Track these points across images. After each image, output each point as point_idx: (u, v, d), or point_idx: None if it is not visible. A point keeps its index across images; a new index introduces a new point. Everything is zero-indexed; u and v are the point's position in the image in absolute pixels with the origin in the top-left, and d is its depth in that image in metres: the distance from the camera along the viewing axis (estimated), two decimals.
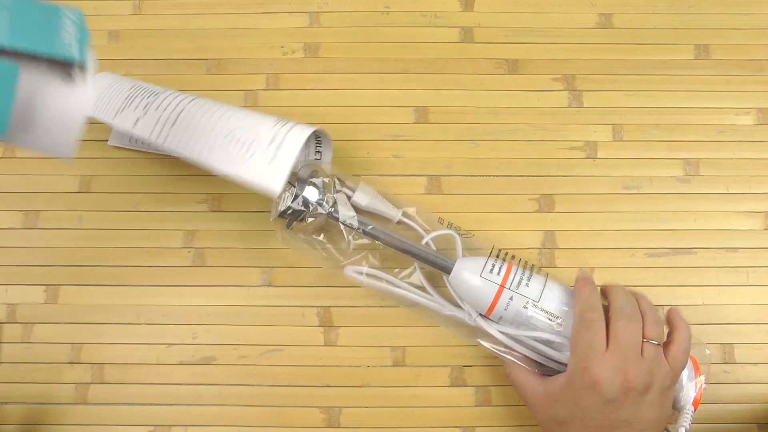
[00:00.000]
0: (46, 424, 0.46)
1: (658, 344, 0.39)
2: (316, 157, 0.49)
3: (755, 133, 0.51)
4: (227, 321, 0.47)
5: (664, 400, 0.39)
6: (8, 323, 0.47)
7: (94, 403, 0.46)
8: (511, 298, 0.42)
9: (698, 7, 0.54)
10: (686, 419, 0.42)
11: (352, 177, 0.48)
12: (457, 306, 0.46)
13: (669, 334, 0.41)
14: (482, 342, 0.45)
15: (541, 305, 0.42)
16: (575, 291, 0.42)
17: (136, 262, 0.48)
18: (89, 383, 0.46)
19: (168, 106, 0.44)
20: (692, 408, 0.42)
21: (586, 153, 0.51)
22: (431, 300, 0.46)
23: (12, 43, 0.31)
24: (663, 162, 0.51)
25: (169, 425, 0.46)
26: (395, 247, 0.45)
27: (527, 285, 0.43)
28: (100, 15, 0.53)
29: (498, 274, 0.43)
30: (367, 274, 0.46)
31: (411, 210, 0.48)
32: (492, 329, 0.44)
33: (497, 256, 0.45)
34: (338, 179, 0.47)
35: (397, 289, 0.46)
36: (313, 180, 0.45)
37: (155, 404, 0.46)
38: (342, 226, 0.46)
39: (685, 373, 0.42)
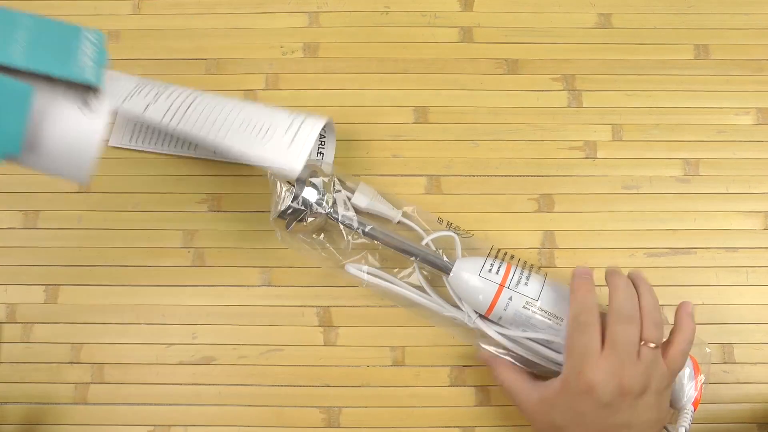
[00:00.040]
0: (46, 424, 0.46)
1: (656, 347, 0.39)
2: (319, 155, 0.49)
3: (755, 133, 0.51)
4: (227, 321, 0.47)
5: (662, 400, 0.39)
6: (8, 323, 0.47)
7: (94, 403, 0.46)
8: (510, 298, 0.42)
9: (698, 7, 0.54)
10: (686, 419, 0.42)
11: (351, 177, 0.48)
12: (457, 307, 0.46)
13: (671, 333, 0.41)
14: (483, 345, 0.45)
15: (541, 305, 0.42)
16: (570, 290, 0.41)
17: (136, 262, 0.48)
18: (89, 383, 0.46)
19: (180, 95, 0.44)
20: (692, 408, 0.42)
21: (586, 153, 0.51)
22: (430, 300, 0.46)
23: (28, 65, 0.30)
24: (663, 162, 0.51)
25: (169, 425, 0.46)
26: (394, 247, 0.45)
27: (526, 284, 0.43)
28: (100, 15, 0.53)
29: (497, 273, 0.43)
30: (368, 273, 0.46)
31: (411, 210, 0.48)
32: (491, 330, 0.44)
33: (496, 256, 0.45)
34: (338, 179, 0.47)
35: (396, 289, 0.46)
36: (313, 180, 0.45)
37: (155, 404, 0.46)
38: (341, 226, 0.46)
39: (685, 373, 0.42)
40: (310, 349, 0.47)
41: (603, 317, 0.40)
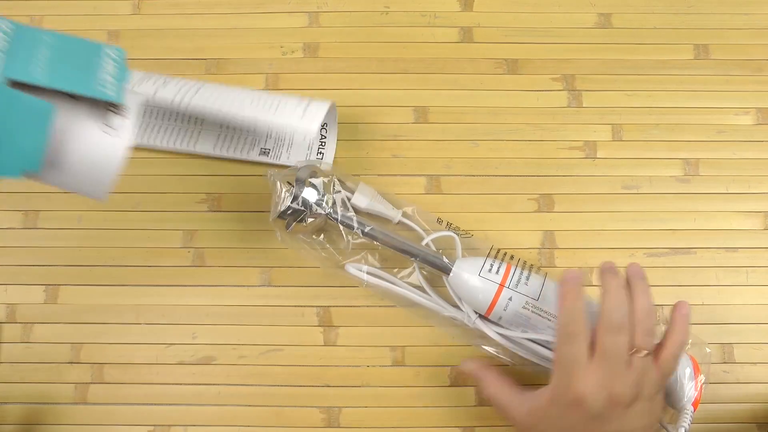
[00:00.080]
0: (45, 424, 0.46)
1: (648, 353, 0.38)
2: (319, 155, 0.49)
3: (755, 133, 0.51)
4: (227, 321, 0.47)
5: (654, 405, 0.38)
6: (8, 323, 0.47)
7: (94, 403, 0.46)
8: (510, 298, 0.42)
9: (698, 7, 0.54)
10: (686, 419, 0.42)
11: (351, 177, 0.48)
12: (457, 307, 0.46)
13: (664, 334, 0.40)
14: (484, 347, 0.45)
15: (540, 305, 0.42)
16: (558, 297, 0.40)
17: (136, 262, 0.48)
18: (89, 383, 0.46)
19: (187, 82, 0.45)
20: (692, 408, 0.42)
21: (586, 153, 0.51)
22: (430, 300, 0.46)
23: (50, 83, 0.30)
24: (662, 162, 0.51)
25: (169, 425, 0.46)
26: (394, 247, 0.45)
27: (526, 284, 0.43)
28: (99, 15, 0.53)
29: (497, 273, 0.43)
30: (368, 273, 0.46)
31: (411, 210, 0.48)
32: (491, 331, 0.44)
33: (496, 256, 0.45)
34: (338, 179, 0.47)
35: (396, 289, 0.46)
36: (313, 180, 0.45)
37: (155, 404, 0.46)
38: (341, 227, 0.46)
39: (685, 373, 0.42)
40: (310, 349, 0.47)
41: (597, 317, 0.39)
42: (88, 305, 0.48)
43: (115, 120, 0.33)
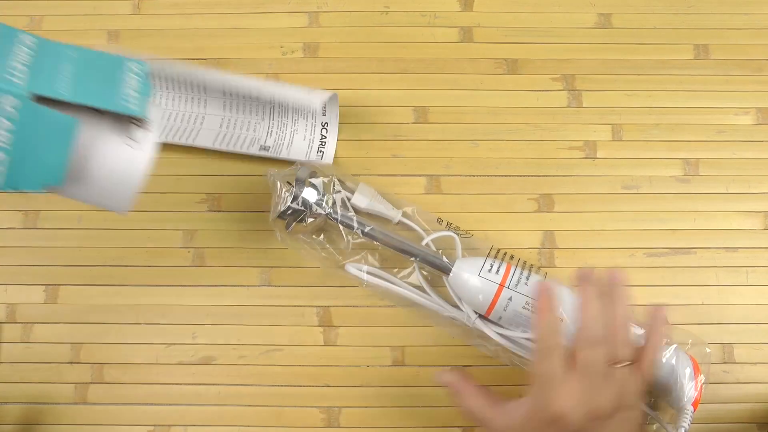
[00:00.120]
0: (45, 424, 0.46)
1: (628, 363, 0.37)
2: (319, 153, 0.49)
3: (755, 133, 0.51)
4: (227, 321, 0.47)
5: (633, 413, 0.38)
6: (8, 323, 0.47)
7: (94, 403, 0.46)
8: (510, 298, 0.42)
9: (698, 7, 0.54)
10: (686, 419, 0.42)
11: (351, 177, 0.48)
12: (457, 307, 0.46)
13: (645, 340, 0.39)
14: (484, 347, 0.45)
15: None
16: (533, 311, 0.39)
17: (136, 262, 0.48)
18: (89, 383, 0.46)
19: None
20: (692, 408, 0.42)
21: (586, 153, 0.51)
22: (430, 300, 0.46)
23: (74, 98, 0.30)
24: (662, 162, 0.51)
25: (169, 425, 0.46)
26: (394, 247, 0.45)
27: (526, 284, 0.43)
28: (99, 15, 0.53)
29: (497, 273, 0.43)
30: (368, 273, 0.46)
31: (410, 210, 0.48)
32: (490, 331, 0.44)
33: (496, 256, 0.45)
34: (338, 179, 0.47)
35: (396, 289, 0.46)
36: (313, 180, 0.45)
37: (155, 404, 0.46)
38: (341, 227, 0.46)
39: (685, 373, 0.42)
40: (310, 349, 0.47)
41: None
42: (88, 305, 0.48)
43: (138, 133, 0.33)
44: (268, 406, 0.46)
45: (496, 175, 0.50)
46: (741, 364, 0.47)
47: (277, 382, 0.47)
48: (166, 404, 0.46)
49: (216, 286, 0.48)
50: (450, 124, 0.51)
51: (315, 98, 0.45)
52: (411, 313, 0.47)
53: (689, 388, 0.42)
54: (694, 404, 0.42)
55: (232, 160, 0.50)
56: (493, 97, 0.52)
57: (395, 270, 0.47)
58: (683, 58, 0.53)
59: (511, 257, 0.45)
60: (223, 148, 0.49)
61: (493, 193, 0.50)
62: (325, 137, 0.50)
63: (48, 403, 0.46)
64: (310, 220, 0.45)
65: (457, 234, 0.46)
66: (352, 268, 0.47)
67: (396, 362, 0.47)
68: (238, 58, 0.52)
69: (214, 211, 0.49)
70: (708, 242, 0.49)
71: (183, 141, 0.49)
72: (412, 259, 0.45)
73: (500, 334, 0.44)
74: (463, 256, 0.46)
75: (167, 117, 0.50)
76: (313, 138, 0.50)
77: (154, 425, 0.46)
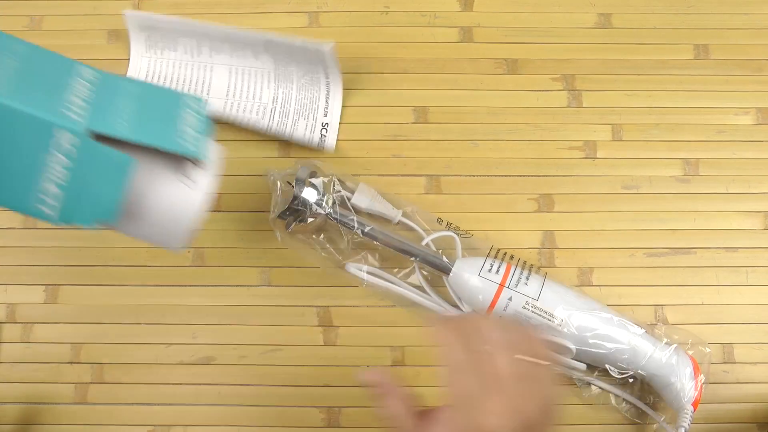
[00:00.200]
0: (45, 424, 0.46)
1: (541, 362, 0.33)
2: (322, 135, 0.49)
3: (755, 133, 0.51)
4: (227, 321, 0.47)
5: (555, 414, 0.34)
6: (8, 323, 0.47)
7: (94, 403, 0.46)
8: (510, 298, 0.42)
9: (697, 7, 0.54)
10: (686, 419, 0.42)
11: (351, 177, 0.48)
12: (457, 307, 0.46)
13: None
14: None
15: (540, 304, 0.42)
16: (436, 339, 0.34)
17: (136, 262, 0.48)
18: (89, 383, 0.46)
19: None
20: (692, 408, 0.42)
21: (586, 153, 0.51)
22: (430, 300, 0.46)
23: (131, 136, 0.30)
24: (662, 162, 0.51)
25: (169, 425, 0.46)
26: (394, 247, 0.45)
27: (526, 284, 0.43)
28: (99, 15, 0.53)
29: (497, 273, 0.43)
30: (368, 273, 0.46)
31: (411, 210, 0.48)
32: None
33: (496, 256, 0.45)
34: (338, 179, 0.47)
35: (396, 289, 0.46)
36: (313, 181, 0.45)
37: (155, 404, 0.46)
38: (341, 227, 0.46)
39: (685, 373, 0.42)
40: (310, 349, 0.47)
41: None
42: (88, 305, 0.48)
43: (194, 172, 0.32)
44: (268, 406, 0.46)
45: (496, 175, 0.50)
46: (741, 364, 0.47)
47: (277, 382, 0.47)
48: (166, 404, 0.46)
49: (216, 286, 0.48)
50: (450, 124, 0.51)
51: (323, 46, 0.46)
52: (411, 313, 0.47)
53: (689, 388, 0.42)
54: (694, 404, 0.42)
55: (233, 160, 0.50)
56: (493, 97, 0.52)
57: (395, 270, 0.47)
58: (683, 58, 0.53)
59: (511, 257, 0.45)
60: (232, 113, 0.49)
61: (493, 193, 0.50)
62: (327, 119, 0.50)
63: (48, 403, 0.46)
64: (310, 220, 0.45)
65: (457, 234, 0.46)
66: (352, 268, 0.47)
67: (396, 362, 0.47)
68: None
69: (214, 211, 0.49)
70: (708, 242, 0.49)
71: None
72: (412, 259, 0.45)
73: None
74: (463, 256, 0.46)
75: (173, 85, 0.50)
76: (318, 107, 0.50)
77: (154, 425, 0.46)
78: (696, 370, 0.43)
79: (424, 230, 0.47)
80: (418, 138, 0.51)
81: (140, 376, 0.46)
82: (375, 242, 0.45)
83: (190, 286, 0.48)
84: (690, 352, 0.44)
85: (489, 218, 0.49)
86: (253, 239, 0.49)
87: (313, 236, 0.47)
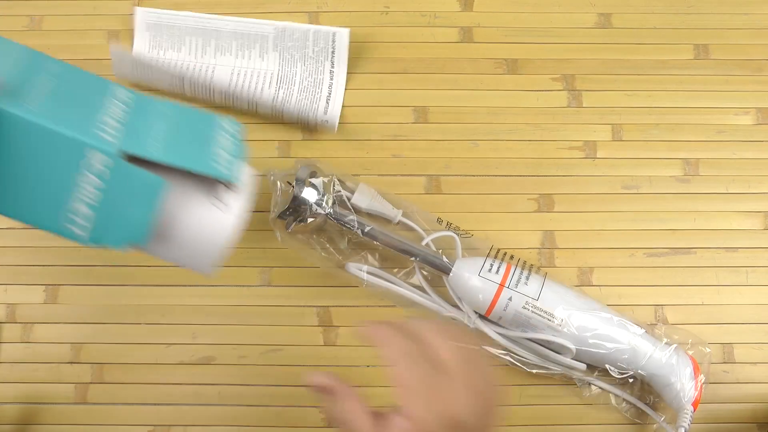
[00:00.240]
0: (45, 424, 0.46)
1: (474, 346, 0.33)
2: (327, 99, 0.49)
3: (755, 133, 0.51)
4: (227, 321, 0.47)
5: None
6: (8, 323, 0.47)
7: (94, 403, 0.46)
8: (510, 298, 0.42)
9: (697, 7, 0.54)
10: (686, 419, 0.42)
11: (351, 177, 0.48)
12: (457, 307, 0.46)
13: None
14: (484, 347, 0.45)
15: (540, 304, 0.42)
16: (373, 337, 0.34)
17: (136, 262, 0.48)
18: (89, 383, 0.46)
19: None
20: (692, 408, 0.42)
21: (586, 153, 0.51)
22: (430, 300, 0.46)
23: (164, 158, 0.30)
24: (662, 162, 0.51)
25: (169, 425, 0.46)
26: (394, 247, 0.45)
27: (526, 284, 0.43)
28: (99, 15, 0.53)
29: (497, 273, 0.43)
30: (368, 273, 0.46)
31: (410, 210, 0.48)
32: (491, 331, 0.44)
33: (496, 256, 0.45)
34: (338, 179, 0.47)
35: (396, 289, 0.46)
36: (313, 180, 0.45)
37: (155, 404, 0.46)
38: (341, 227, 0.46)
39: (685, 373, 0.42)
40: (310, 349, 0.47)
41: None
42: (88, 305, 0.48)
43: (227, 195, 0.32)
44: (268, 406, 0.46)
45: (496, 175, 0.50)
46: (741, 364, 0.47)
47: (278, 382, 0.47)
48: (166, 404, 0.46)
49: (216, 286, 0.48)
50: (450, 124, 0.51)
51: (340, 29, 0.48)
52: (411, 313, 0.47)
53: (689, 388, 0.42)
54: (694, 404, 0.42)
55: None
56: (493, 97, 0.52)
57: (395, 270, 0.47)
58: (683, 58, 0.53)
59: (511, 257, 0.45)
60: (238, 89, 0.49)
61: (493, 193, 0.50)
62: (331, 91, 0.50)
63: (48, 403, 0.46)
64: (310, 220, 0.45)
65: (457, 234, 0.46)
66: (352, 268, 0.47)
67: None
68: None
69: None
70: (708, 242, 0.49)
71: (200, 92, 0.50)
72: (412, 259, 0.45)
73: (500, 334, 0.44)
74: (463, 256, 0.46)
75: (179, 68, 0.50)
76: (318, 107, 0.50)
77: (154, 425, 0.46)
78: (696, 370, 0.43)
79: (424, 230, 0.47)
80: (418, 138, 0.51)
81: (140, 376, 0.46)
82: (375, 242, 0.45)
83: (190, 286, 0.48)
84: (690, 352, 0.44)
85: (489, 218, 0.49)
86: (253, 239, 0.49)
87: (313, 236, 0.47)
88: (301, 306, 0.48)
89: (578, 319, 0.42)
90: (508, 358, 0.45)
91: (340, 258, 0.47)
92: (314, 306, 0.48)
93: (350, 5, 0.54)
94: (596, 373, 0.45)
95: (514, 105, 0.52)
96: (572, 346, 0.42)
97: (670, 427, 0.43)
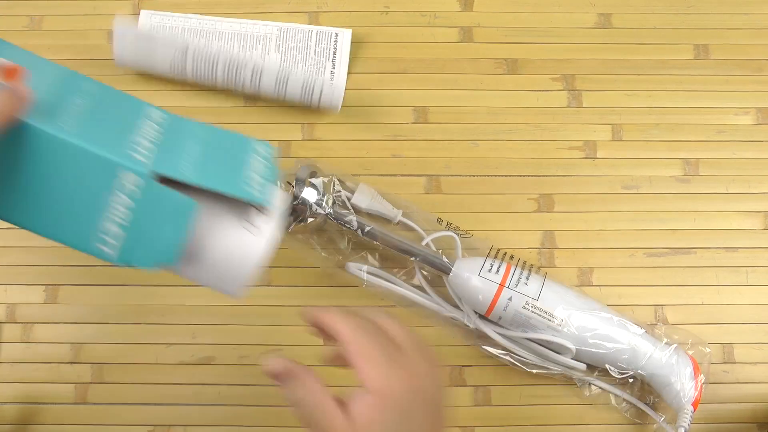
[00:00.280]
0: (45, 424, 0.46)
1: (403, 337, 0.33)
2: (331, 73, 0.49)
3: (755, 133, 0.51)
4: (227, 321, 0.47)
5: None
6: (8, 323, 0.47)
7: (94, 403, 0.46)
8: (510, 298, 0.42)
9: (697, 7, 0.54)
10: (686, 419, 0.42)
11: (351, 177, 0.48)
12: (457, 307, 0.46)
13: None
14: (483, 347, 0.45)
15: (540, 304, 0.42)
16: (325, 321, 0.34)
17: None
18: (89, 383, 0.46)
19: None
20: (692, 408, 0.42)
21: (586, 153, 0.51)
22: (430, 300, 0.46)
23: (197, 181, 0.30)
24: (662, 162, 0.51)
25: (169, 425, 0.46)
26: (394, 247, 0.45)
27: (526, 284, 0.43)
28: (99, 15, 0.53)
29: (497, 273, 0.43)
30: (368, 272, 0.46)
31: (410, 210, 0.48)
32: (490, 331, 0.44)
33: (496, 256, 0.45)
34: (338, 179, 0.47)
35: (396, 289, 0.46)
36: (313, 181, 0.45)
37: (155, 404, 0.46)
38: (341, 227, 0.46)
39: (685, 373, 0.42)
40: (310, 349, 0.47)
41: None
42: (88, 305, 0.48)
43: (258, 219, 0.32)
44: (268, 406, 0.46)
45: (496, 175, 0.50)
46: (741, 364, 0.47)
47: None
48: (166, 404, 0.46)
49: None
50: (450, 124, 0.51)
51: (342, 30, 0.48)
52: (411, 313, 0.47)
53: (689, 388, 0.42)
54: (694, 404, 0.42)
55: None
56: (493, 97, 0.52)
57: (395, 270, 0.47)
58: (683, 58, 0.53)
59: (511, 257, 0.45)
60: (242, 64, 0.49)
61: (493, 193, 0.50)
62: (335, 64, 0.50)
63: (48, 403, 0.46)
64: (310, 220, 0.45)
65: (457, 234, 0.46)
66: (352, 268, 0.47)
67: None
68: None
69: None
70: (708, 242, 0.49)
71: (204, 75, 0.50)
72: (412, 259, 0.45)
73: (500, 334, 0.44)
74: (463, 256, 0.46)
75: (184, 54, 0.49)
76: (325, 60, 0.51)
77: (154, 425, 0.46)
78: (696, 370, 0.43)
79: (424, 230, 0.47)
80: (418, 138, 0.51)
81: (140, 376, 0.46)
82: (375, 242, 0.45)
83: (190, 286, 0.48)
84: (690, 352, 0.44)
85: (489, 218, 0.49)
86: None
87: (313, 236, 0.47)
88: (301, 306, 0.48)
89: (578, 319, 0.43)
90: (508, 358, 0.45)
91: (340, 258, 0.47)
92: (314, 306, 0.48)
93: (350, 5, 0.54)
94: (596, 373, 0.45)
95: (514, 105, 0.52)
96: (572, 346, 0.42)
97: (670, 427, 0.43)
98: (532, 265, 0.45)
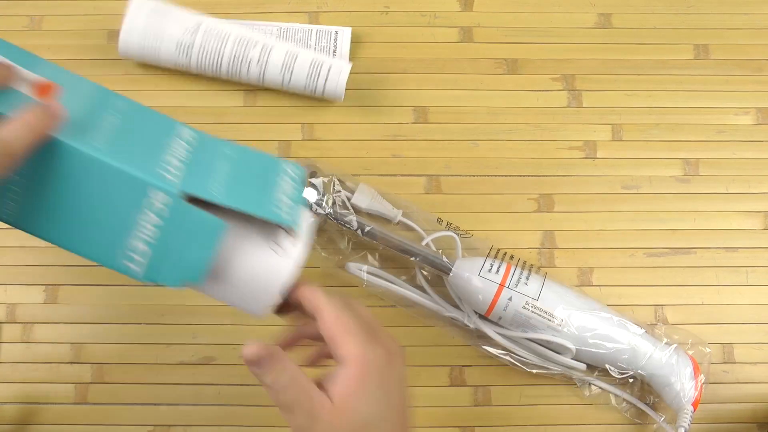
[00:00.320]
0: (45, 424, 0.46)
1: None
2: (333, 53, 0.49)
3: (755, 133, 0.51)
4: (227, 321, 0.47)
5: None
6: (8, 323, 0.47)
7: (94, 403, 0.46)
8: (510, 298, 0.42)
9: (697, 7, 0.54)
10: (685, 419, 0.42)
11: (351, 177, 0.48)
12: (457, 307, 0.46)
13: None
14: (483, 347, 0.45)
15: (540, 304, 0.42)
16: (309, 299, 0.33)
17: None
18: (89, 383, 0.46)
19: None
20: (692, 408, 0.42)
21: (586, 153, 0.51)
22: (430, 300, 0.46)
23: (226, 201, 0.30)
24: (662, 162, 0.51)
25: (169, 425, 0.46)
26: (394, 247, 0.45)
27: (526, 284, 0.43)
28: (99, 15, 0.53)
29: (497, 273, 0.43)
30: (368, 273, 0.46)
31: (410, 210, 0.48)
32: (491, 331, 0.44)
33: (496, 256, 0.45)
34: (338, 179, 0.47)
35: (397, 289, 0.46)
36: (313, 180, 0.45)
37: (155, 404, 0.46)
38: (341, 227, 0.46)
39: (685, 373, 0.42)
40: (311, 349, 0.47)
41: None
42: (88, 305, 0.48)
43: (286, 241, 0.32)
44: (268, 406, 0.46)
45: (496, 175, 0.50)
46: (741, 364, 0.47)
47: None
48: (166, 404, 0.46)
49: None
50: (450, 124, 0.51)
51: (342, 28, 0.49)
52: (411, 313, 0.47)
53: (689, 388, 0.42)
54: (694, 404, 0.42)
55: None
56: (493, 97, 0.52)
57: (395, 270, 0.47)
58: (683, 58, 0.53)
59: (511, 257, 0.45)
60: (250, 44, 0.49)
61: (493, 193, 0.50)
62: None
63: (48, 403, 0.46)
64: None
65: (457, 234, 0.46)
66: (352, 268, 0.47)
67: None
68: None
69: None
70: (708, 242, 0.49)
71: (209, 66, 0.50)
72: (413, 259, 0.45)
73: (500, 334, 0.44)
74: (463, 256, 0.46)
75: (188, 47, 0.49)
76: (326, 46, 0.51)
77: (154, 425, 0.46)
78: (696, 370, 0.43)
79: (424, 230, 0.47)
80: (418, 138, 0.51)
81: (140, 376, 0.46)
82: (375, 242, 0.45)
83: None
84: (690, 352, 0.44)
85: (489, 218, 0.49)
86: None
87: (314, 236, 0.47)
88: None
89: (578, 319, 0.43)
90: (508, 358, 0.45)
91: (340, 258, 0.47)
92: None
93: (350, 5, 0.54)
94: (596, 373, 0.45)
95: (514, 105, 0.52)
96: (572, 346, 0.42)
97: (670, 427, 0.43)
98: (532, 265, 0.45)
